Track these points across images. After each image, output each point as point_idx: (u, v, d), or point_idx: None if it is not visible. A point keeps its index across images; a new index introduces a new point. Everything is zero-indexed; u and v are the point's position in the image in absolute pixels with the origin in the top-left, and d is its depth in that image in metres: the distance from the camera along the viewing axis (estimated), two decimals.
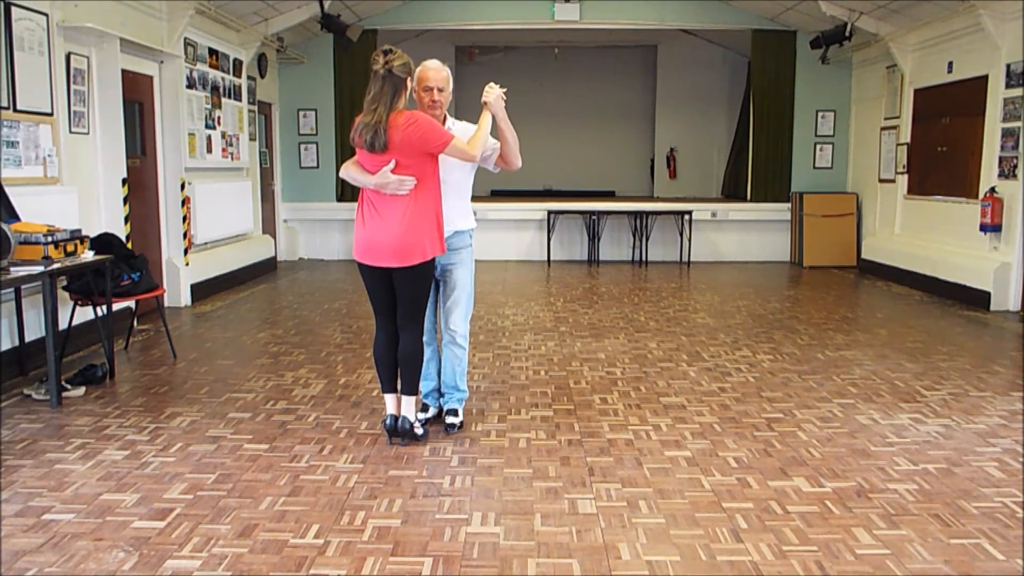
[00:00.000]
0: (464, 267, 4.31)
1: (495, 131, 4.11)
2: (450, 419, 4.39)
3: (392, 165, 3.89)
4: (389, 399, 4.21)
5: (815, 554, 3.03)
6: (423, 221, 3.94)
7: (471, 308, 4.42)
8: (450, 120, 4.25)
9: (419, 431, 4.18)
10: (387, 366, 4.18)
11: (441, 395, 4.50)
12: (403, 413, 4.14)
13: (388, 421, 4.16)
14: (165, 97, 8.06)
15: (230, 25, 9.31)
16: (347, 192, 12.18)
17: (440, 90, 4.06)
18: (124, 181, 6.97)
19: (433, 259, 4.06)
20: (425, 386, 4.48)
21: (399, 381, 4.18)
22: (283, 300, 8.72)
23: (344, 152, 12.12)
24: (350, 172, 4.03)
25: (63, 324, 5.65)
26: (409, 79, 3.93)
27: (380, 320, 4.18)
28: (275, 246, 11.42)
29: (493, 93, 4.04)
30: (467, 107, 14.85)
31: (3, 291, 5.27)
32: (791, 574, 2.89)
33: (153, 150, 7.97)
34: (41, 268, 4.80)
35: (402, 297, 4.07)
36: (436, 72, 4.07)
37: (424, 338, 4.24)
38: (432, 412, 4.50)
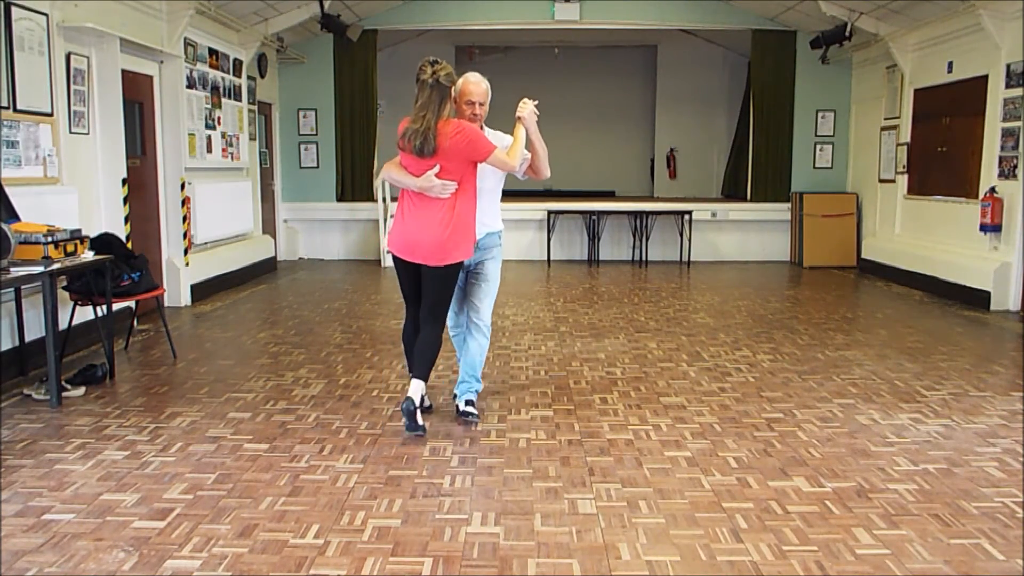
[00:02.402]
0: (495, 262, 4.59)
1: (527, 143, 4.38)
2: (471, 409, 4.55)
3: (436, 169, 4.13)
4: (415, 386, 4.30)
5: (815, 554, 3.03)
6: (460, 225, 4.21)
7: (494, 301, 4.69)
8: (486, 129, 4.49)
9: (427, 402, 4.60)
10: (412, 352, 4.42)
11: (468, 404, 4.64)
12: (410, 394, 4.24)
13: (407, 404, 4.23)
14: (165, 97, 8.06)
15: (230, 25, 9.31)
16: (347, 192, 12.20)
17: (481, 104, 4.35)
18: (124, 181, 6.97)
19: (461, 263, 4.31)
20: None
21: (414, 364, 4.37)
22: (283, 300, 8.72)
23: (344, 152, 12.15)
24: (392, 173, 4.27)
25: (63, 324, 5.65)
26: (453, 88, 4.20)
27: (410, 308, 4.47)
28: (275, 246, 11.42)
29: (527, 108, 4.36)
30: None
31: (3, 291, 5.27)
32: (791, 574, 2.89)
33: (153, 150, 7.97)
34: (41, 268, 4.80)
35: (427, 294, 4.32)
36: (477, 86, 4.35)
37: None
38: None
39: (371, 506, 3.43)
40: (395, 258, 4.36)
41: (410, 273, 4.35)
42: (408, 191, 4.26)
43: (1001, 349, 6.48)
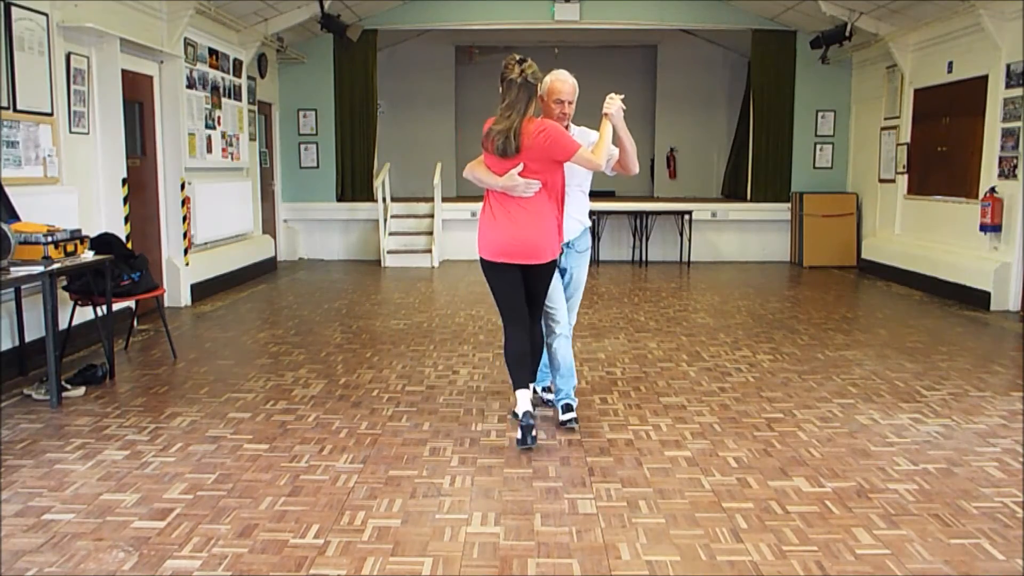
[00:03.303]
0: (584, 269, 4.60)
1: (614, 139, 4.27)
2: (571, 415, 4.41)
3: (520, 168, 4.05)
4: (524, 396, 4.18)
5: (815, 554, 3.03)
6: (550, 223, 4.16)
7: None
8: (573, 127, 4.42)
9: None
10: (526, 363, 4.29)
11: (546, 391, 4.72)
12: (526, 408, 4.14)
13: (526, 419, 4.10)
14: (165, 97, 8.06)
15: (230, 25, 9.31)
16: (347, 192, 12.20)
17: (569, 103, 4.27)
18: (124, 181, 6.97)
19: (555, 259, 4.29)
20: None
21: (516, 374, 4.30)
22: (283, 300, 8.72)
23: (344, 152, 12.15)
24: (476, 173, 4.20)
25: (63, 324, 5.65)
26: (539, 86, 4.13)
27: (514, 318, 4.28)
28: (275, 246, 11.42)
29: (615, 104, 4.19)
30: (468, 107, 14.96)
31: (3, 291, 5.27)
32: (791, 574, 2.89)
33: (153, 150, 7.97)
34: (41, 268, 4.80)
35: (533, 293, 4.27)
36: (565, 84, 4.25)
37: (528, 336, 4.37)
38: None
39: (371, 506, 3.43)
40: (491, 267, 4.21)
41: (511, 278, 4.21)
42: (494, 193, 4.17)
43: (1001, 349, 6.48)
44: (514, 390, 4.27)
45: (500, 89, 4.06)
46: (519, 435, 4.10)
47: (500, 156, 4.06)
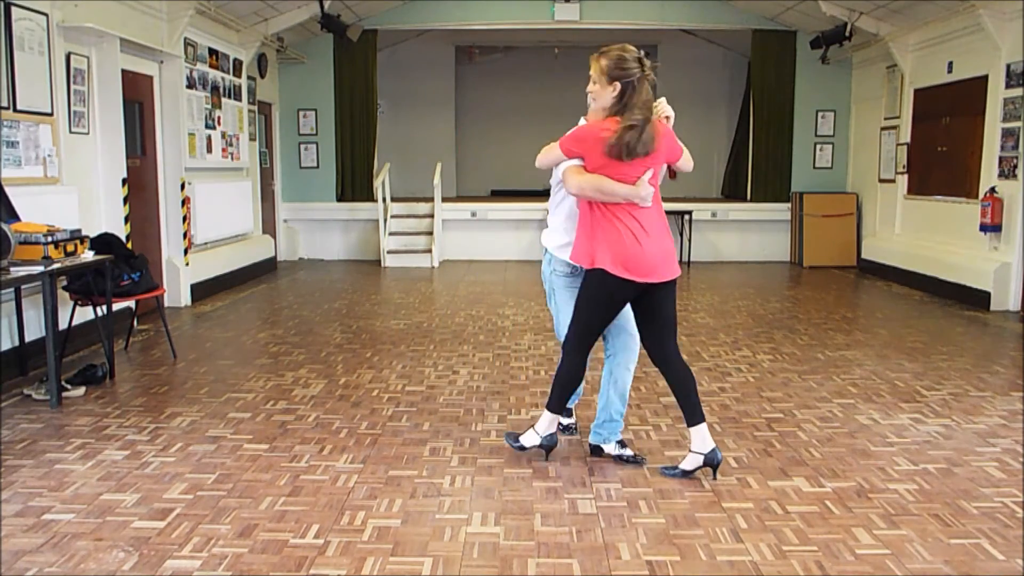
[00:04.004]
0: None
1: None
2: (629, 450, 4.03)
3: (650, 174, 3.63)
4: (555, 420, 3.97)
5: (815, 554, 3.03)
6: (669, 232, 3.80)
7: None
8: (582, 121, 4.06)
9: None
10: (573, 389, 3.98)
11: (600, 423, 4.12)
12: (554, 429, 3.94)
13: (554, 438, 3.96)
14: (165, 97, 8.06)
15: (230, 25, 9.31)
16: (347, 192, 12.20)
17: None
18: (124, 181, 6.97)
19: None
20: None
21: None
22: (283, 300, 8.72)
23: (344, 152, 12.14)
24: (599, 184, 3.58)
25: (63, 324, 5.65)
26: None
27: (591, 344, 3.88)
28: (275, 246, 11.43)
29: (670, 108, 3.80)
30: (468, 107, 14.96)
31: (3, 291, 5.27)
32: (791, 574, 2.89)
33: (153, 150, 7.97)
34: (41, 268, 4.80)
35: (666, 314, 3.77)
36: None
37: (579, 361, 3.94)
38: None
39: (371, 506, 3.43)
40: (621, 284, 3.63)
41: (624, 299, 3.73)
42: (611, 204, 3.61)
43: (1001, 349, 6.48)
44: (551, 412, 3.92)
45: (614, 89, 3.60)
46: (545, 455, 3.97)
47: (628, 159, 3.56)
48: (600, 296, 3.71)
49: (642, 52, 3.66)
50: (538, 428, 3.97)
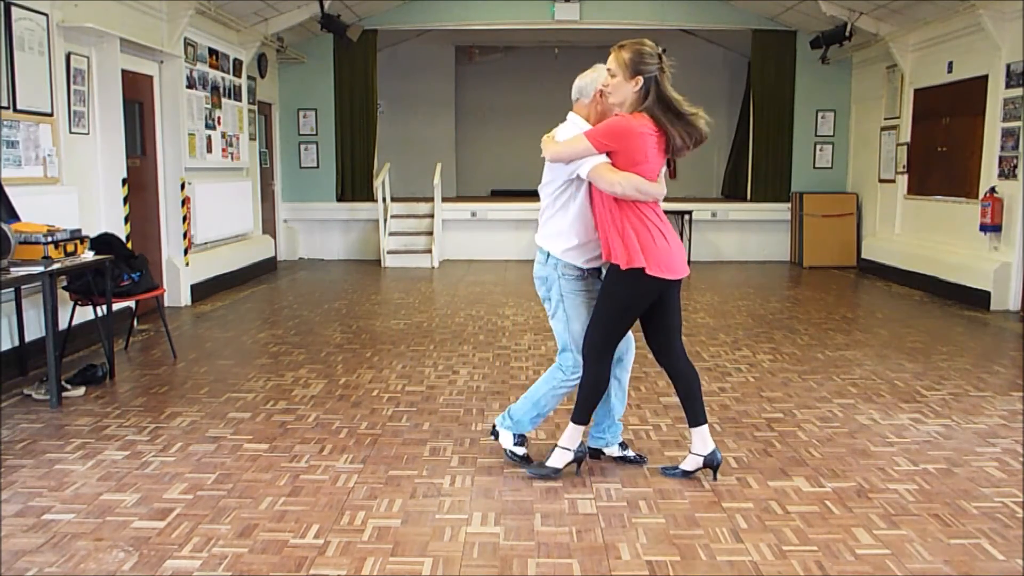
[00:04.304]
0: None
1: None
2: (631, 451, 4.00)
3: (666, 170, 3.58)
4: (580, 432, 3.76)
5: (815, 554, 3.03)
6: None
7: None
8: (571, 116, 3.91)
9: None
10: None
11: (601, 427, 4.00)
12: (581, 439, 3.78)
13: (584, 448, 3.81)
14: (165, 97, 8.06)
15: (230, 25, 9.31)
16: (347, 192, 12.20)
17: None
18: (124, 181, 6.97)
19: None
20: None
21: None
22: (283, 300, 8.72)
23: (344, 152, 12.13)
24: (637, 183, 3.45)
25: (63, 324, 5.65)
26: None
27: (616, 345, 3.74)
28: (275, 246, 11.42)
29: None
30: (468, 107, 14.95)
31: (3, 291, 5.27)
32: (791, 574, 2.89)
33: (153, 150, 7.97)
34: (41, 268, 4.80)
35: (677, 311, 3.74)
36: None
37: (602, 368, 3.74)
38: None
39: (371, 506, 3.43)
40: (655, 282, 3.52)
41: (654, 298, 3.62)
42: (642, 204, 3.50)
43: (1001, 349, 6.48)
44: (577, 424, 3.71)
45: (636, 84, 3.44)
46: (577, 468, 3.79)
47: (665, 154, 3.51)
48: (633, 297, 3.59)
49: (661, 49, 3.52)
50: (564, 443, 3.74)
